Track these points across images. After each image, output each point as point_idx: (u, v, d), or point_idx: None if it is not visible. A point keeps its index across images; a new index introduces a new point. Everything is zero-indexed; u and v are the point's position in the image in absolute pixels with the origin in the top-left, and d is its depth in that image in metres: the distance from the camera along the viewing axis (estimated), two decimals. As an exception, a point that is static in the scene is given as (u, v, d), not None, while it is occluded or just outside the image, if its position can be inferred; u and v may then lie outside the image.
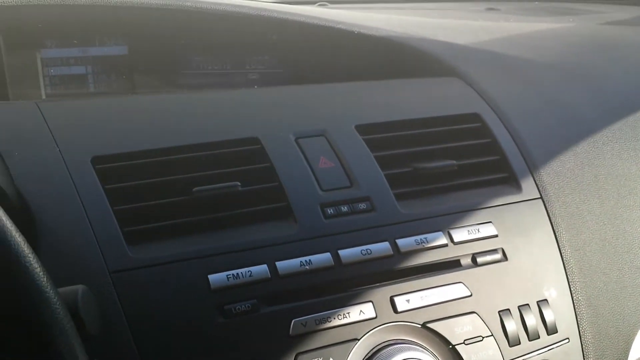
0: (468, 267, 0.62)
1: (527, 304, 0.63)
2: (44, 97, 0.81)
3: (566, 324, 0.64)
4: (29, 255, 0.37)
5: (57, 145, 0.58)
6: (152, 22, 0.81)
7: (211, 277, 0.54)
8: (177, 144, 0.61)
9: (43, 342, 0.37)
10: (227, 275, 0.55)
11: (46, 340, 0.37)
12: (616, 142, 0.76)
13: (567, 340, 0.64)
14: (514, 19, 1.11)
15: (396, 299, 0.58)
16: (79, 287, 0.44)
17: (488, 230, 0.64)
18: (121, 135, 0.62)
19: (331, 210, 0.60)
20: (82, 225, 0.54)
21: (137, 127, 0.63)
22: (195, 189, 0.58)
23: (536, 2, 1.40)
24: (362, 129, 0.67)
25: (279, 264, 0.56)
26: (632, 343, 0.70)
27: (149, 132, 0.62)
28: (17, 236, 0.36)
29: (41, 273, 0.37)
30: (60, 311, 0.37)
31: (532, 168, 0.70)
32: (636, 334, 0.70)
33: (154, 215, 0.57)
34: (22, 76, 0.80)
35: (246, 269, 0.55)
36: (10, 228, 0.36)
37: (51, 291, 0.37)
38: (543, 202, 0.68)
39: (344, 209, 0.61)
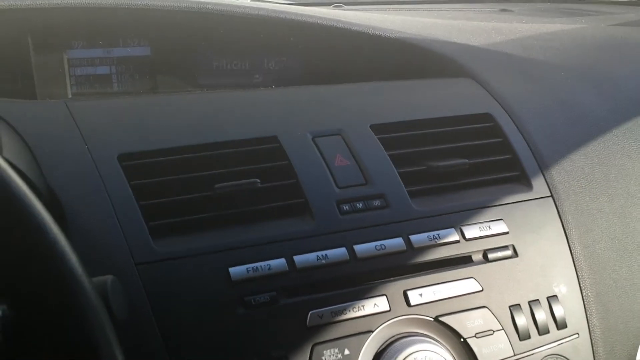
0: (479, 262, 0.64)
1: (537, 300, 0.64)
2: (70, 96, 0.84)
3: (576, 320, 0.66)
4: (66, 245, 0.39)
5: (86, 143, 0.61)
6: (174, 24, 0.83)
7: (232, 269, 0.57)
8: (199, 142, 0.63)
9: (78, 328, 0.39)
10: (247, 268, 0.57)
11: (81, 326, 0.39)
12: (626, 142, 0.78)
13: (576, 335, 0.66)
14: (527, 20, 1.12)
15: (409, 293, 0.60)
16: (108, 277, 0.46)
17: (499, 227, 0.66)
18: (146, 133, 0.64)
19: (347, 207, 0.62)
20: (110, 220, 0.56)
21: (161, 126, 0.65)
22: (216, 185, 0.60)
23: (549, 3, 1.41)
24: (377, 128, 0.69)
25: (296, 257, 0.58)
26: (641, 339, 0.72)
27: (172, 130, 0.65)
28: (54, 227, 0.39)
29: (77, 262, 0.39)
30: (94, 298, 0.40)
31: (543, 167, 0.71)
32: (645, 330, 0.72)
33: (178, 210, 0.59)
34: (49, 76, 0.82)
35: (265, 262, 0.58)
36: (48, 220, 0.39)
37: (86, 279, 0.39)
38: (553, 200, 0.70)
39: (359, 205, 0.63)
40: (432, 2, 1.39)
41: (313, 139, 0.66)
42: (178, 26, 0.83)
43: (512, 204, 0.68)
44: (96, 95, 0.85)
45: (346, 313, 0.58)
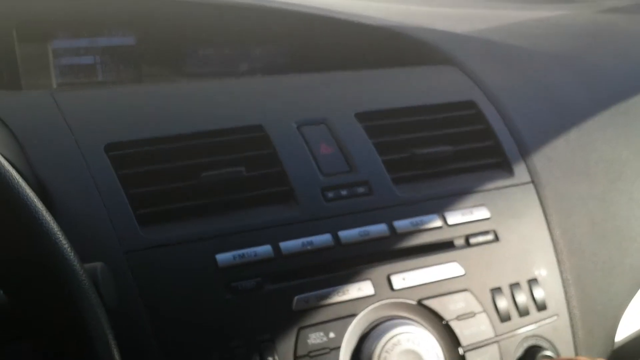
0: (461, 247, 0.65)
1: (518, 283, 0.66)
2: (55, 86, 0.84)
3: (555, 301, 0.67)
4: (58, 232, 0.40)
5: (73, 134, 0.61)
6: (158, 13, 0.83)
7: (218, 256, 0.58)
8: (185, 131, 0.64)
9: (71, 310, 0.40)
10: (233, 255, 0.58)
11: (74, 308, 0.40)
12: (607, 129, 0.79)
13: (556, 317, 0.67)
14: (512, 7, 1.13)
15: (393, 278, 0.62)
16: (98, 264, 0.47)
17: (481, 213, 0.67)
18: (132, 123, 0.64)
19: (331, 194, 0.64)
20: (98, 208, 0.57)
21: (147, 115, 0.66)
22: (203, 174, 0.61)
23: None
24: (362, 117, 0.70)
25: (282, 244, 0.60)
26: (619, 320, 0.73)
27: (158, 120, 0.65)
28: (47, 214, 0.40)
29: (69, 248, 0.40)
30: (86, 282, 0.41)
31: (524, 153, 0.73)
32: (624, 311, 0.74)
33: (165, 198, 0.60)
34: (34, 66, 0.83)
35: (251, 249, 0.59)
36: (40, 208, 0.40)
37: (78, 265, 0.40)
38: (534, 186, 0.71)
39: (344, 192, 0.64)
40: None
41: (298, 128, 0.67)
42: (163, 15, 0.84)
43: (494, 190, 0.69)
44: (81, 85, 0.85)
45: (331, 297, 0.59)
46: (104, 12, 0.83)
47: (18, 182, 0.40)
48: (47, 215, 0.40)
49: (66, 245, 0.40)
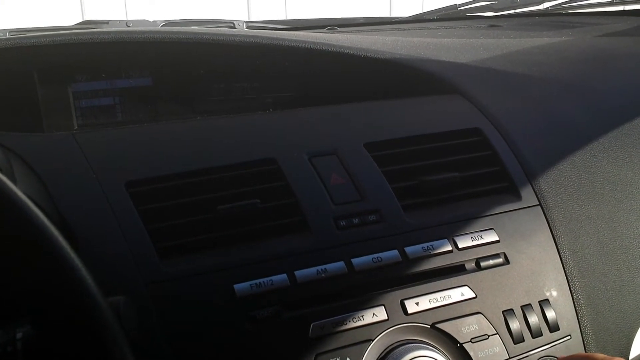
0: (472, 271, 0.67)
1: (530, 304, 0.67)
2: (76, 127, 0.87)
3: (567, 322, 0.68)
4: (83, 268, 0.42)
5: (94, 172, 0.64)
6: (173, 55, 0.87)
7: (236, 286, 0.60)
8: (201, 166, 0.66)
9: (97, 345, 0.42)
10: (250, 285, 0.60)
11: (99, 343, 0.42)
12: (612, 150, 0.81)
13: (569, 337, 0.68)
14: (514, 35, 1.15)
15: (406, 302, 0.63)
16: (120, 298, 0.49)
17: (490, 236, 0.69)
18: (151, 160, 0.67)
19: (343, 222, 0.66)
20: (120, 243, 0.60)
21: (165, 153, 0.69)
22: (219, 207, 0.63)
23: (536, 17, 1.45)
24: (371, 147, 0.72)
25: (297, 273, 0.61)
26: (633, 339, 0.74)
27: (175, 157, 0.68)
28: (72, 253, 0.42)
29: (93, 284, 0.42)
30: (111, 317, 0.43)
31: (531, 177, 0.74)
32: (637, 330, 0.74)
33: (184, 232, 0.62)
34: (55, 109, 0.86)
35: (268, 278, 0.61)
36: (65, 246, 0.42)
37: (102, 300, 0.43)
38: (542, 208, 0.73)
39: (355, 220, 0.66)
40: (423, 21, 1.43)
41: (309, 159, 0.70)
42: (177, 56, 0.87)
43: (502, 214, 0.71)
44: (101, 125, 0.88)
45: (347, 323, 0.61)
46: (120, 55, 0.86)
47: (44, 223, 0.42)
48: (73, 254, 0.43)
49: (91, 282, 0.43)
